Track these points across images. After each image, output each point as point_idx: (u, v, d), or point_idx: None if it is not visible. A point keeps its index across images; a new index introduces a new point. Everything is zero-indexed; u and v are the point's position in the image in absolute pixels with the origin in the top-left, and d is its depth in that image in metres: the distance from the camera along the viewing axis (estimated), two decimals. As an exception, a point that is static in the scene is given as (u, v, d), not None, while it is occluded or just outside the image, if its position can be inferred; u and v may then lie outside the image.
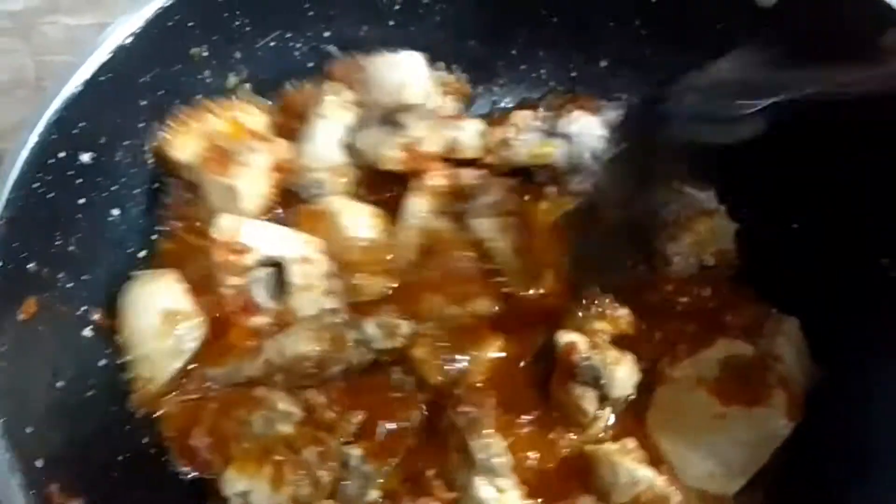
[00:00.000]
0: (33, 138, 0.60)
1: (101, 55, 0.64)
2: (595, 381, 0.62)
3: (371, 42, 0.80)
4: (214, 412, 0.62)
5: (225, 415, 0.62)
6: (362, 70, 0.76)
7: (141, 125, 0.70)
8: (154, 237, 0.72)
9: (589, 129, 0.72)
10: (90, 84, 0.63)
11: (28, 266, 0.59)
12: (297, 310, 0.66)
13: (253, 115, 0.75)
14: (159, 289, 0.66)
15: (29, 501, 0.50)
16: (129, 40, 0.65)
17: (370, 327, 0.63)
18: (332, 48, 0.80)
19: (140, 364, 0.64)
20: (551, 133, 0.73)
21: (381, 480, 0.60)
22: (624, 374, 0.64)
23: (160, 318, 0.64)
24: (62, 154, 0.62)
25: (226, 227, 0.66)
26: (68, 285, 0.63)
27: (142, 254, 0.71)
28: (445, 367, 0.64)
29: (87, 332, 0.64)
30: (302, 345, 0.63)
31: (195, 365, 0.65)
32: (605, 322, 0.65)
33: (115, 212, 0.69)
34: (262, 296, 0.67)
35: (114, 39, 0.65)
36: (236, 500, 0.58)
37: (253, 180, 0.69)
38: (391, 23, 0.80)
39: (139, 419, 0.64)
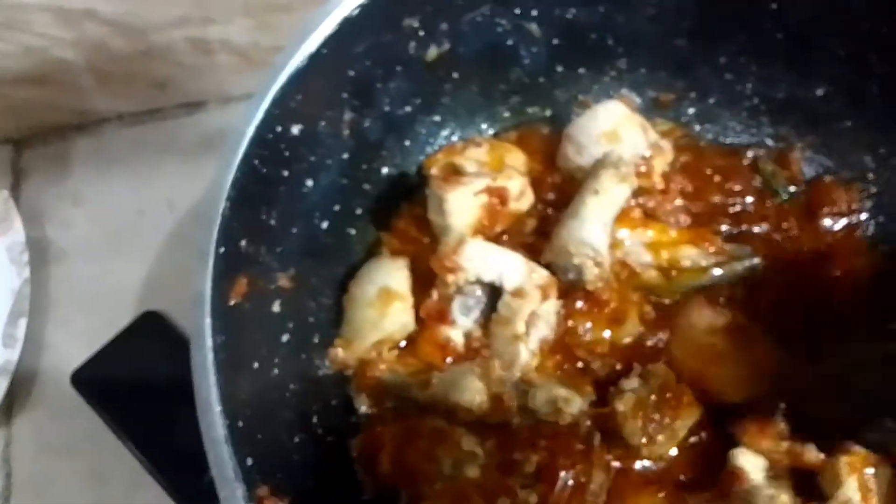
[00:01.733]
0: (259, 115, 0.61)
1: (328, 27, 0.64)
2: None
3: (574, 27, 0.78)
4: (396, 438, 0.65)
5: (408, 443, 0.64)
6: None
7: (344, 95, 0.70)
8: (336, 208, 0.74)
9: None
10: (314, 57, 0.63)
11: (240, 244, 0.61)
12: (488, 339, 0.68)
13: (515, 155, 0.76)
14: (388, 268, 0.72)
15: (250, 512, 0.49)
16: (355, 11, 0.65)
17: (538, 398, 0.63)
18: (533, 27, 0.78)
19: (346, 326, 0.71)
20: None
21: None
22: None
23: (378, 292, 0.70)
24: (279, 128, 0.63)
25: (451, 241, 0.68)
26: (266, 260, 0.64)
27: (324, 224, 0.73)
28: (649, 429, 0.63)
29: (276, 306, 0.66)
30: (464, 395, 0.64)
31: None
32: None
33: (309, 182, 0.70)
34: (463, 312, 0.69)
35: (341, 11, 0.64)
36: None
37: (464, 199, 0.71)
38: (601, 9, 0.77)
39: (320, 398, 0.68)
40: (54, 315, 0.90)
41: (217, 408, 0.51)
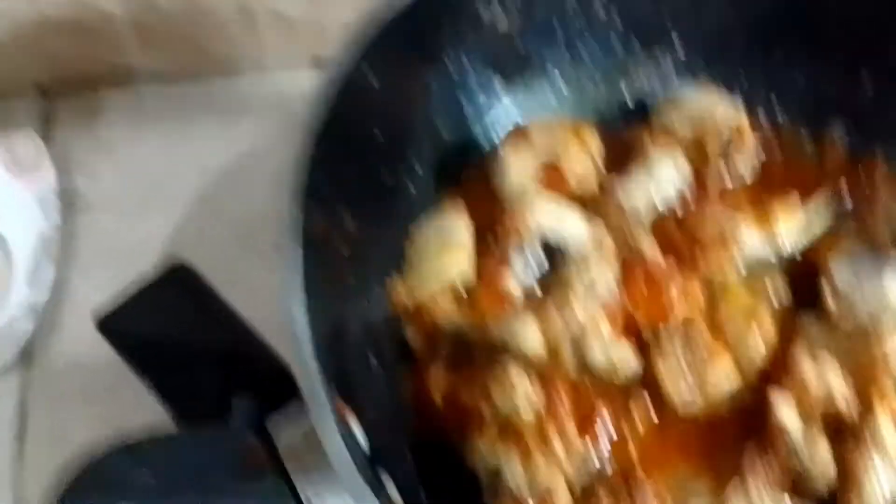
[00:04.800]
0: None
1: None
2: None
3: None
4: (450, 378, 0.71)
5: (463, 384, 0.70)
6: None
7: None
8: (399, 164, 0.81)
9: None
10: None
11: (322, 186, 0.67)
12: (548, 297, 0.73)
13: (595, 142, 0.84)
14: (450, 219, 0.79)
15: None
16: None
17: (594, 351, 0.68)
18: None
19: (409, 274, 0.77)
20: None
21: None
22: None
23: (440, 240, 0.77)
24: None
25: (520, 197, 0.75)
26: (339, 206, 0.72)
27: (387, 178, 0.81)
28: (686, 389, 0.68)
29: (344, 250, 0.73)
30: (523, 342, 0.69)
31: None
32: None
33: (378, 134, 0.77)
34: (523, 269, 0.75)
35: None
36: (485, 474, 0.66)
37: (524, 166, 0.80)
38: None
39: (377, 341, 0.75)
40: (78, 264, 0.95)
41: (304, 319, 0.57)
